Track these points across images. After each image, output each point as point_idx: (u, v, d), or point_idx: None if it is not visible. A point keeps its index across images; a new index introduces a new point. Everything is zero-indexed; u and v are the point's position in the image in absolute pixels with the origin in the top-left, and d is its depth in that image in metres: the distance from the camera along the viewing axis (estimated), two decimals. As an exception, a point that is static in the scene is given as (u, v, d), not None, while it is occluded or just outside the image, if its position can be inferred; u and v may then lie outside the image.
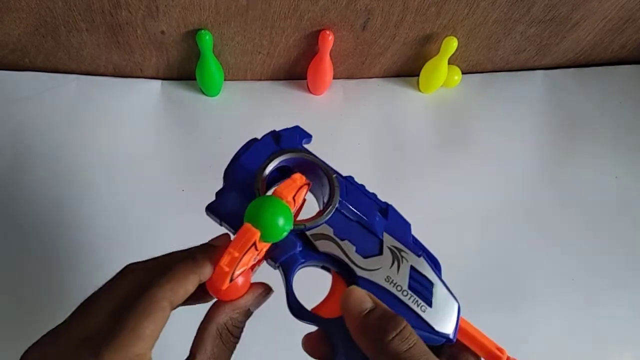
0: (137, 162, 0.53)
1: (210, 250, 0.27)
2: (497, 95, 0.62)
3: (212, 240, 0.29)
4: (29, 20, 0.48)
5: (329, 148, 0.56)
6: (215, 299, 0.28)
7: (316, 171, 0.30)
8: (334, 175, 0.30)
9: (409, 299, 0.28)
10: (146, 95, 0.56)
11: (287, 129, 0.32)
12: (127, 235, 0.49)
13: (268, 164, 0.30)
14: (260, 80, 0.59)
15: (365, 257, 0.28)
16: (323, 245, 0.28)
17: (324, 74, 0.56)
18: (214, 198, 0.30)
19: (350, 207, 0.30)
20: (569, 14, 0.55)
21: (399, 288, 0.28)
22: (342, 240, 0.29)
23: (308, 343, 0.29)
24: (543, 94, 0.63)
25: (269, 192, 0.27)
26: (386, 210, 0.31)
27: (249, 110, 0.57)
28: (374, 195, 0.31)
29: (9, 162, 0.51)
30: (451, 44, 0.54)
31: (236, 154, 0.31)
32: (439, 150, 0.58)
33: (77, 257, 0.48)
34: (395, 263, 0.29)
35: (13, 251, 0.48)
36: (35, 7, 0.46)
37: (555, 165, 0.59)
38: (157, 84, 0.57)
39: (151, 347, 0.24)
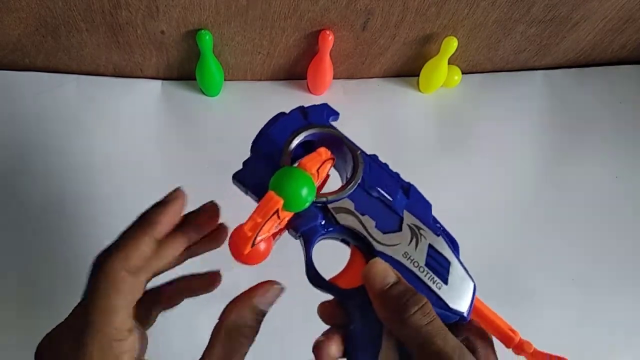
0: (137, 161, 0.53)
1: (161, 207, 0.28)
2: (497, 96, 0.62)
3: (166, 195, 0.30)
4: (29, 20, 0.48)
5: (329, 148, 0.57)
6: (228, 301, 0.29)
7: (341, 147, 0.31)
8: (358, 152, 0.31)
9: (425, 275, 0.29)
10: (146, 95, 0.56)
11: (315, 105, 0.32)
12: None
13: (295, 136, 0.30)
14: (260, 80, 0.59)
15: (384, 233, 0.29)
16: (344, 219, 0.29)
17: (324, 74, 0.56)
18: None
19: (373, 183, 0.30)
20: (569, 14, 0.55)
21: (416, 264, 0.29)
22: (363, 215, 0.29)
23: (324, 310, 0.29)
24: (543, 94, 0.63)
25: (295, 165, 0.28)
26: (408, 189, 0.31)
27: (249, 110, 0.57)
28: (397, 174, 0.32)
29: (9, 162, 0.51)
30: (451, 44, 0.54)
31: (264, 127, 0.32)
32: (439, 150, 0.58)
33: (76, 256, 0.48)
34: (414, 240, 0.29)
35: (13, 251, 0.48)
36: (35, 7, 0.46)
37: (555, 165, 0.59)
38: (157, 84, 0.57)
39: (129, 316, 0.25)
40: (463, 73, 0.61)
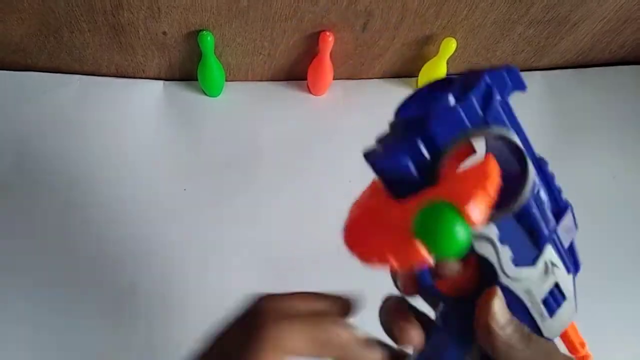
0: (139, 161, 0.53)
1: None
2: (496, 96, 0.62)
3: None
4: (32, 21, 0.49)
5: (329, 148, 0.57)
6: None
7: (507, 150, 0.24)
8: (531, 167, 0.23)
9: (535, 309, 0.25)
10: (148, 95, 0.57)
11: (499, 78, 0.24)
12: (130, 234, 0.49)
13: (461, 142, 0.22)
14: (261, 80, 0.60)
15: (516, 266, 0.24)
16: (481, 247, 0.23)
17: (324, 75, 0.56)
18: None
19: (531, 206, 0.24)
20: (567, 15, 0.56)
21: (533, 300, 0.25)
22: (503, 245, 0.24)
23: (406, 282, 0.27)
24: (542, 95, 0.63)
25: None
26: (563, 211, 0.26)
27: (250, 110, 0.58)
28: (559, 190, 0.26)
29: (12, 162, 0.51)
30: (450, 45, 0.54)
31: (424, 114, 0.22)
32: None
33: (77, 257, 0.48)
34: (543, 278, 0.25)
35: (14, 251, 0.48)
36: (37, 7, 0.47)
37: (553, 165, 0.59)
38: (159, 85, 0.58)
39: None
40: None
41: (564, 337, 0.28)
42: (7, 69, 0.55)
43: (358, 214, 0.25)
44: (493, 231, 0.23)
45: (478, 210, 0.19)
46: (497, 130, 0.22)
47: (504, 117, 0.23)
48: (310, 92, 0.60)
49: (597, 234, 0.56)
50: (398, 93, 0.62)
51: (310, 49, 0.55)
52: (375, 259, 0.21)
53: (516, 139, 0.23)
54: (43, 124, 0.54)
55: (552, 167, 0.66)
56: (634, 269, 0.55)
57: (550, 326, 0.26)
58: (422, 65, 0.59)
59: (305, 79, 0.59)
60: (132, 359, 0.45)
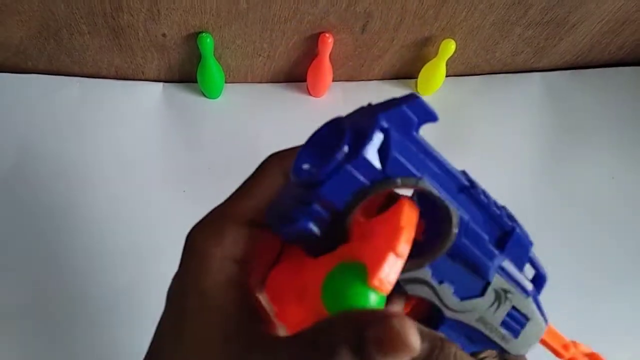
0: (139, 163, 0.53)
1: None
2: (495, 98, 0.63)
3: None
4: (32, 23, 0.49)
5: (329, 149, 0.57)
6: None
7: (428, 198, 0.21)
8: (452, 208, 0.20)
9: (495, 335, 0.24)
10: (148, 97, 0.57)
11: (399, 116, 0.20)
12: (129, 236, 0.50)
13: (362, 201, 0.19)
14: (260, 82, 0.60)
15: (462, 300, 0.22)
16: (414, 289, 0.21)
17: (324, 77, 0.56)
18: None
19: (463, 244, 0.21)
20: (566, 17, 0.56)
21: (488, 326, 0.23)
22: (440, 283, 0.21)
23: None
24: (541, 96, 0.63)
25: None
26: (509, 235, 0.23)
27: (250, 112, 0.58)
28: (501, 213, 0.23)
29: (12, 165, 0.51)
30: (449, 47, 0.54)
31: (315, 176, 0.19)
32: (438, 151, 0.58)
33: (78, 258, 0.48)
34: (496, 304, 0.23)
35: (14, 252, 0.48)
36: (37, 10, 0.47)
37: (553, 166, 0.59)
38: (158, 87, 0.58)
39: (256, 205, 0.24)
40: (461, 75, 0.61)
41: (544, 344, 0.27)
42: (7, 71, 0.55)
43: (282, 262, 0.23)
44: (424, 272, 0.21)
45: (387, 277, 0.17)
46: (402, 181, 0.19)
47: (408, 165, 0.19)
48: (309, 93, 0.60)
49: (597, 234, 0.56)
50: (398, 94, 0.63)
51: (309, 50, 0.55)
52: (288, 325, 0.20)
53: (426, 186, 0.20)
54: (43, 127, 0.54)
55: (552, 168, 0.67)
56: (634, 269, 0.55)
57: (517, 345, 0.25)
58: (422, 67, 0.59)
59: (304, 80, 0.59)
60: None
